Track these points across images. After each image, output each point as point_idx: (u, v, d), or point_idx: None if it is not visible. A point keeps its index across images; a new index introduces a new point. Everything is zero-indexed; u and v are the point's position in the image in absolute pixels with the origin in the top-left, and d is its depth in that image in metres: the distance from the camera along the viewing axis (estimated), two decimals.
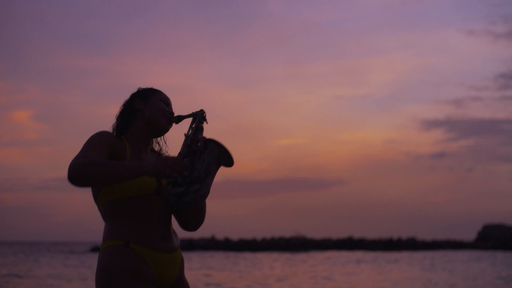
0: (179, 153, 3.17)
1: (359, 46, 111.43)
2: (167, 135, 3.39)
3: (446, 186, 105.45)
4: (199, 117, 3.29)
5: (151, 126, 3.29)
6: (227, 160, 3.14)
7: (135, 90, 3.37)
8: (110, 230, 3.11)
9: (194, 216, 3.28)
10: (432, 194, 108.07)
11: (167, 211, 3.22)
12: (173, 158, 3.00)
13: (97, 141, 3.11)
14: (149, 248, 3.11)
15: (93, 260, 38.52)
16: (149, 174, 2.97)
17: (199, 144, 3.16)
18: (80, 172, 2.93)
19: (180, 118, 3.34)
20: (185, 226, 3.32)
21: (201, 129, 3.26)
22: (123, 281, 3.01)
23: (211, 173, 3.11)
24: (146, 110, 3.30)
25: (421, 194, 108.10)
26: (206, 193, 3.11)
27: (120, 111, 3.33)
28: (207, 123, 3.29)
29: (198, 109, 3.32)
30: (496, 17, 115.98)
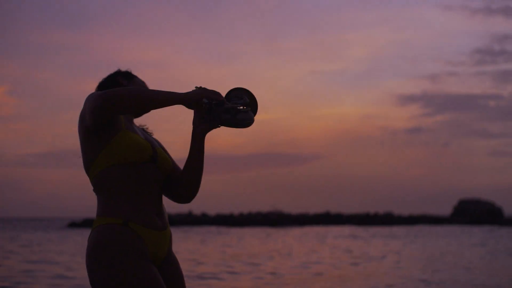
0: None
1: (336, 21, 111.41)
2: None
3: (422, 161, 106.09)
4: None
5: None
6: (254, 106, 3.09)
7: (113, 71, 3.28)
8: (106, 206, 2.99)
9: (193, 184, 3.18)
10: (408, 169, 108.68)
11: (161, 183, 3.13)
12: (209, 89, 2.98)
13: None
14: (147, 227, 3.00)
15: (74, 235, 38.39)
16: (192, 100, 2.93)
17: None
18: (123, 93, 2.87)
19: None
20: (180, 197, 3.22)
21: None
22: (123, 260, 2.90)
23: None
24: (132, 85, 3.22)
25: (398, 169, 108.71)
26: (253, 116, 3.05)
27: (103, 84, 3.23)
28: None
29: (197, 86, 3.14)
30: None
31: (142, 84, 3.26)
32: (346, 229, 49.88)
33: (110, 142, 3.00)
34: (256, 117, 3.09)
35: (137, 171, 3.02)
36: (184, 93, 2.95)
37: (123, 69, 3.30)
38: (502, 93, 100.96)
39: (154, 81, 3.26)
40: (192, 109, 3.03)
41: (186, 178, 3.19)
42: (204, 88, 2.99)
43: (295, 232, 44.48)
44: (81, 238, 34.10)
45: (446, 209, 72.58)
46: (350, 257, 19.65)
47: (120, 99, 2.86)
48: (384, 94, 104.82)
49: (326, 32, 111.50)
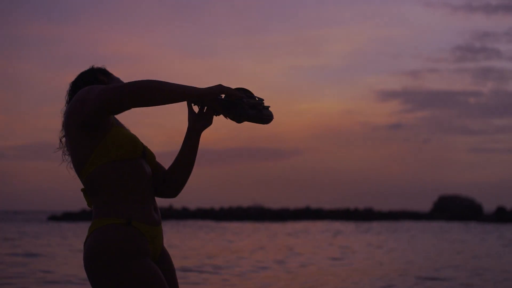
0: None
1: (317, 16, 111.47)
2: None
3: (403, 157, 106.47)
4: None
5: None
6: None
7: (86, 68, 3.19)
8: (106, 205, 2.92)
9: (181, 178, 3.17)
10: (389, 164, 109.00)
11: (151, 178, 3.09)
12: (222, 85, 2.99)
13: None
14: (148, 224, 2.96)
15: (56, 228, 38.11)
16: (212, 95, 2.95)
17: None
18: (146, 86, 2.83)
19: None
20: (164, 192, 3.19)
21: None
22: (130, 261, 2.85)
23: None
24: (110, 83, 3.14)
25: (378, 164, 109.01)
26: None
27: (83, 80, 3.14)
28: None
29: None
30: None
31: (118, 80, 3.18)
32: (330, 225, 49.92)
33: (105, 138, 2.93)
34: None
35: (132, 167, 2.97)
36: (204, 88, 2.95)
37: (97, 65, 3.20)
38: (482, 90, 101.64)
39: (133, 75, 3.21)
40: (206, 105, 3.07)
41: (177, 173, 3.16)
42: (221, 84, 2.98)
43: (286, 228, 44.46)
44: (68, 232, 33.88)
45: (426, 205, 72.96)
46: (341, 253, 19.62)
47: (143, 91, 2.83)
48: (365, 90, 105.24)
49: (308, 28, 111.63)
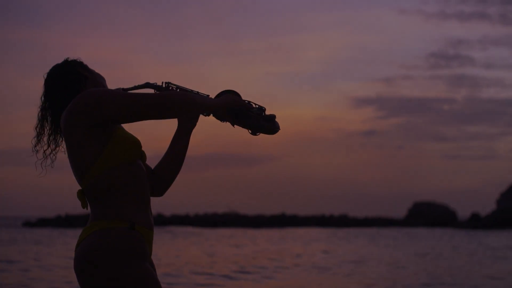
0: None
1: (292, 23, 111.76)
2: None
3: (377, 164, 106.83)
4: (158, 88, 3.15)
5: None
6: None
7: (61, 61, 3.07)
8: (108, 208, 2.85)
9: (171, 177, 3.19)
10: (363, 171, 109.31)
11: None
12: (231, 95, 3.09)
13: None
14: (147, 228, 2.93)
15: (32, 234, 37.74)
16: (223, 106, 3.04)
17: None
18: (180, 99, 2.86)
19: (125, 91, 3.11)
20: (154, 191, 3.17)
21: None
22: (131, 264, 2.80)
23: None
24: (94, 77, 3.06)
25: (352, 171, 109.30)
26: None
27: (65, 79, 3.01)
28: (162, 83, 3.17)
29: (142, 83, 3.14)
30: None
31: (99, 76, 3.10)
32: (309, 231, 49.95)
33: (112, 141, 2.86)
34: (210, 118, 3.21)
35: (135, 170, 2.92)
36: (220, 99, 3.04)
37: (71, 58, 3.08)
38: (456, 97, 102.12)
39: (108, 81, 3.14)
40: (219, 117, 3.11)
41: (167, 172, 3.17)
42: (233, 93, 3.09)
43: (273, 233, 44.42)
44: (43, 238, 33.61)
45: (401, 212, 73.11)
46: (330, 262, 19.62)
47: (178, 105, 2.86)
48: (339, 97, 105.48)
49: (282, 34, 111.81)
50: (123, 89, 3.11)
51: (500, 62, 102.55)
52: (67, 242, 29.13)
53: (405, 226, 66.47)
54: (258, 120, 3.09)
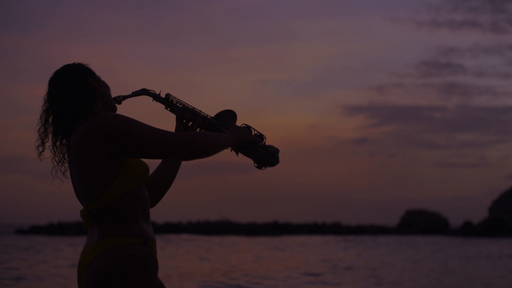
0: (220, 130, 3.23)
1: (284, 30, 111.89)
2: None
3: (369, 172, 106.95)
4: (154, 96, 3.24)
5: (106, 109, 3.05)
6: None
7: (63, 66, 2.99)
8: (122, 226, 2.87)
9: (165, 189, 3.25)
10: (355, 179, 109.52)
11: None
12: (238, 126, 3.18)
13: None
14: (154, 242, 2.98)
15: (25, 241, 37.52)
16: (237, 143, 3.14)
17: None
18: (202, 145, 2.92)
19: (124, 98, 3.18)
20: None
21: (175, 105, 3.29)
22: (149, 278, 2.85)
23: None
24: (102, 88, 3.04)
25: (344, 179, 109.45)
26: None
27: (73, 88, 2.94)
28: (160, 92, 3.27)
29: (138, 89, 3.23)
30: (419, 5, 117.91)
31: (105, 85, 3.07)
32: (299, 239, 49.93)
33: (125, 167, 2.88)
34: None
35: (142, 189, 2.96)
36: (235, 135, 3.12)
37: (79, 62, 3.03)
38: (447, 105, 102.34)
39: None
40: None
41: (161, 183, 3.22)
42: (243, 128, 3.19)
43: (273, 241, 44.36)
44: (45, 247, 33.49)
45: (393, 219, 73.24)
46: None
47: (203, 150, 2.93)
48: (331, 105, 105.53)
49: (274, 42, 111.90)
50: (123, 96, 3.15)
51: (491, 70, 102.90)
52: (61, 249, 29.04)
53: (397, 234, 66.56)
54: (264, 155, 3.19)
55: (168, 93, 3.27)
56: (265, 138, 3.25)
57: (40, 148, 3.00)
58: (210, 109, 3.30)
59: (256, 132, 3.25)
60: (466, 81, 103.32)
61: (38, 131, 3.00)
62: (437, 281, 15.27)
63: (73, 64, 3.02)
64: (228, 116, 3.30)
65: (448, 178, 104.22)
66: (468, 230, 61.61)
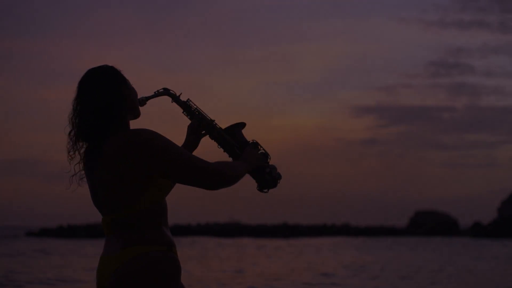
0: (231, 144, 3.31)
1: (292, 32, 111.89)
2: None
3: (378, 173, 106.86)
4: (174, 98, 3.30)
5: (133, 115, 3.10)
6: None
7: (65, 78, 3.06)
8: (147, 235, 2.93)
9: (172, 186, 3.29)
10: (364, 180, 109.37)
11: None
12: (250, 150, 3.26)
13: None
14: (175, 247, 3.06)
15: (36, 243, 37.52)
16: (250, 169, 3.23)
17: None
18: (229, 177, 3.02)
19: (147, 99, 3.21)
20: None
21: (190, 108, 3.33)
22: (173, 284, 2.95)
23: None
24: (132, 96, 3.08)
25: (353, 180, 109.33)
26: None
27: (107, 99, 2.96)
28: (181, 94, 3.32)
29: (160, 89, 3.27)
30: (427, 5, 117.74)
31: (134, 91, 3.11)
32: (313, 241, 49.88)
33: (154, 185, 2.96)
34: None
35: (164, 199, 3.05)
36: (250, 162, 3.21)
37: (112, 65, 3.07)
38: (456, 105, 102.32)
39: None
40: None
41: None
42: (257, 153, 3.29)
43: (280, 244, 44.32)
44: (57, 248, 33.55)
45: (402, 220, 73.11)
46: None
47: (227, 181, 3.03)
48: (339, 105, 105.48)
49: (282, 43, 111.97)
50: (145, 98, 3.19)
51: (500, 70, 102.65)
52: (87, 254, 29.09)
53: (407, 235, 66.45)
54: (267, 181, 3.29)
55: (188, 99, 3.32)
56: (270, 158, 3.33)
57: (71, 153, 3.02)
58: (219, 112, 3.37)
59: (262, 150, 3.32)
60: (474, 81, 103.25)
61: (69, 135, 3.01)
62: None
63: (107, 68, 3.05)
64: (239, 130, 3.34)
65: (457, 178, 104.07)
66: (478, 231, 61.50)
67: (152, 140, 2.88)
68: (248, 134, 3.37)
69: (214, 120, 3.31)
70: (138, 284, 2.87)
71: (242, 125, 3.35)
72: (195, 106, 3.33)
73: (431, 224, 68.52)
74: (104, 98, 2.95)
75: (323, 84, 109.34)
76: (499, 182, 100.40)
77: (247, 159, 3.21)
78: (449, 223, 68.60)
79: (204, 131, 3.35)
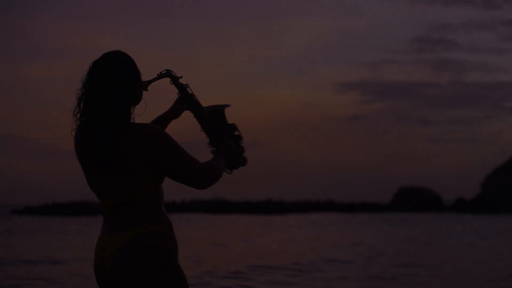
0: (211, 129, 3.54)
1: (276, 7, 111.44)
2: None
3: (362, 149, 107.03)
4: (174, 80, 3.44)
5: (137, 102, 3.17)
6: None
7: (116, 56, 3.08)
8: (150, 215, 3.07)
9: None
10: (348, 156, 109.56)
11: None
12: (227, 143, 3.49)
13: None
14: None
15: (23, 220, 37.39)
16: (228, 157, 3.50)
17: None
18: (216, 178, 3.24)
19: (149, 83, 3.32)
20: None
21: (186, 92, 3.50)
22: (177, 262, 3.10)
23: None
24: (139, 86, 3.16)
25: (337, 156, 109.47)
26: None
27: (127, 92, 3.05)
28: (181, 77, 3.47)
29: (163, 70, 3.39)
30: None
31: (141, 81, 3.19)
32: (295, 218, 50.00)
33: (157, 174, 3.13)
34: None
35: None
36: (226, 157, 3.45)
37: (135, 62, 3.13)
38: (440, 81, 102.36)
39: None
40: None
41: None
42: (232, 143, 3.52)
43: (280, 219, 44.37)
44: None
45: (386, 197, 73.47)
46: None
47: (216, 181, 3.26)
48: (323, 82, 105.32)
49: (266, 19, 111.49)
50: (148, 82, 3.29)
51: (484, 46, 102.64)
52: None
53: (391, 211, 66.82)
54: (232, 163, 3.57)
55: (187, 84, 3.49)
56: (242, 140, 3.59)
57: (73, 133, 3.11)
58: (203, 87, 3.44)
59: (238, 133, 3.58)
60: (458, 57, 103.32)
61: (74, 112, 3.08)
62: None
63: (127, 57, 3.11)
64: (222, 113, 3.60)
65: (440, 154, 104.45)
66: (461, 206, 61.96)
67: (161, 135, 3.03)
68: (232, 110, 3.62)
69: (202, 107, 3.52)
70: (142, 261, 3.00)
71: (226, 106, 3.58)
72: (190, 92, 3.50)
73: (414, 200, 68.91)
74: (123, 88, 3.02)
75: (307, 60, 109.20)
76: (483, 158, 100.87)
77: (225, 154, 3.45)
78: (432, 199, 69.02)
79: (194, 115, 3.55)
